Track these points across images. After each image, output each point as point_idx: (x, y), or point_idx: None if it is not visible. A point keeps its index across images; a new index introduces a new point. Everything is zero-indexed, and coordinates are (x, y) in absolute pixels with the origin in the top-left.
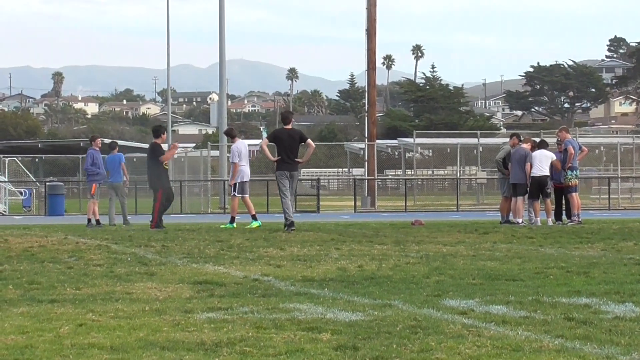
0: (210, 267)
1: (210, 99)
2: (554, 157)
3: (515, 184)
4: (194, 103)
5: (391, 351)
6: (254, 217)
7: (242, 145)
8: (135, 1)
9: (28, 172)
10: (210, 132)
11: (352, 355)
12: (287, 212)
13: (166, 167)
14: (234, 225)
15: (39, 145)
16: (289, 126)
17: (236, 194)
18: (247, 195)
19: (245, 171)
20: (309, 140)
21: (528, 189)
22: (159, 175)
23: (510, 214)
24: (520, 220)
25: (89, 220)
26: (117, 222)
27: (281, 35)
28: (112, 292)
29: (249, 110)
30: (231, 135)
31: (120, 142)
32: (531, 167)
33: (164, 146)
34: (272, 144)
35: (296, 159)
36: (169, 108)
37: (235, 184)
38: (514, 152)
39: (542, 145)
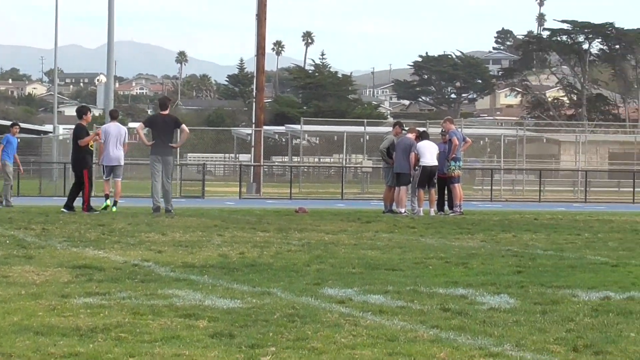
0: (91, 251)
1: (97, 80)
2: (438, 149)
3: (399, 173)
4: (82, 84)
5: (267, 339)
6: (107, 197)
7: (113, 127)
8: None
9: None
10: (97, 114)
11: (228, 342)
12: (155, 197)
13: (91, 147)
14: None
15: None
16: (166, 112)
17: (105, 178)
18: (111, 178)
19: (111, 155)
20: (183, 126)
21: (412, 178)
22: (84, 157)
23: (394, 204)
24: (403, 210)
25: None
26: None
27: (172, 17)
28: None
29: (137, 92)
30: (112, 116)
31: (3, 123)
32: (416, 157)
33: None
34: (148, 128)
35: (170, 144)
36: (55, 88)
37: (103, 166)
38: (399, 141)
39: (424, 136)
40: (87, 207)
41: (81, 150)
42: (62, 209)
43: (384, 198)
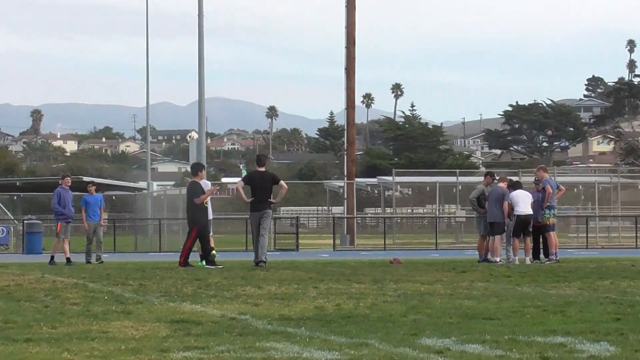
0: (188, 305)
1: (189, 136)
2: (532, 198)
3: (493, 222)
4: (174, 141)
5: None
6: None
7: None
8: (114, 39)
9: (6, 210)
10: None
11: None
12: (256, 254)
13: (206, 205)
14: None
15: (17, 183)
16: (263, 169)
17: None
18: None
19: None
20: (282, 182)
21: (506, 227)
22: (196, 213)
23: (489, 253)
24: (498, 259)
25: (52, 257)
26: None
27: (261, 73)
28: (88, 331)
29: (228, 148)
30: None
31: (99, 181)
32: (509, 205)
33: (204, 183)
34: (248, 186)
35: (269, 200)
36: (148, 146)
37: None
38: (492, 191)
39: (517, 185)
40: (184, 261)
41: (196, 207)
42: (206, 266)
43: (478, 247)
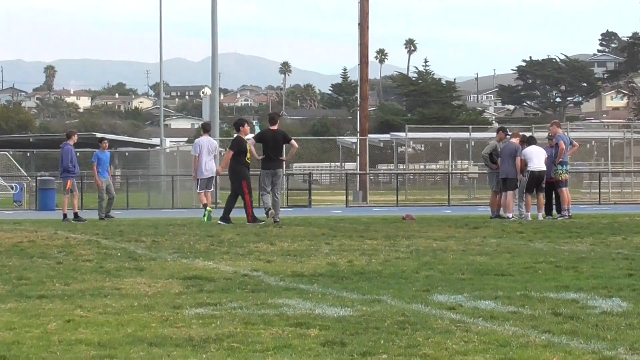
0: (200, 262)
1: (202, 92)
2: (545, 154)
3: (505, 178)
4: (187, 97)
5: (379, 347)
6: (205, 206)
7: (205, 140)
8: None
9: (19, 167)
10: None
11: (340, 350)
12: (266, 203)
13: (248, 160)
14: (206, 218)
15: (31, 140)
16: (275, 127)
17: (198, 190)
18: (205, 191)
19: (206, 167)
20: (293, 141)
21: (519, 183)
22: (242, 169)
23: (501, 209)
24: (510, 215)
25: (65, 215)
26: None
27: (274, 29)
28: (101, 287)
29: (241, 104)
30: (204, 129)
31: (112, 137)
32: (522, 161)
33: (249, 135)
34: (259, 143)
35: (280, 158)
36: (161, 102)
37: (197, 180)
38: (504, 146)
39: (532, 141)
40: (251, 218)
41: (239, 162)
42: (219, 221)
43: (491, 203)
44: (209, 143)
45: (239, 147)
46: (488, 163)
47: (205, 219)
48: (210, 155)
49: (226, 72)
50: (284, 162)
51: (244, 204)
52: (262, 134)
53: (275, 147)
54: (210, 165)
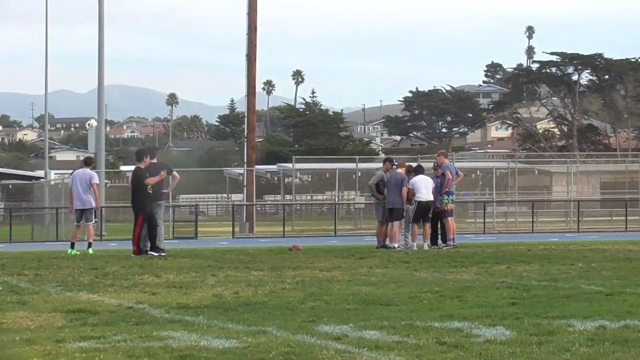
0: (84, 295)
1: (88, 124)
2: (433, 184)
3: (392, 208)
4: (72, 129)
5: None
6: (73, 245)
7: (80, 172)
8: (13, 26)
9: None
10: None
11: None
12: (143, 240)
13: (150, 191)
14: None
15: None
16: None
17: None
18: (81, 224)
19: (79, 198)
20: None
21: (409, 213)
22: (142, 200)
23: (387, 239)
24: (396, 245)
25: None
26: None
27: (161, 60)
28: None
29: (128, 135)
30: (86, 163)
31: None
32: (410, 191)
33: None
34: None
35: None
36: (47, 134)
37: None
38: (390, 177)
39: (419, 170)
40: (137, 249)
41: (143, 191)
42: (151, 252)
43: (377, 234)
44: (82, 175)
45: (139, 179)
46: (374, 193)
47: (73, 252)
48: (82, 188)
49: (112, 103)
50: (168, 194)
51: (132, 233)
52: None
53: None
54: (82, 198)
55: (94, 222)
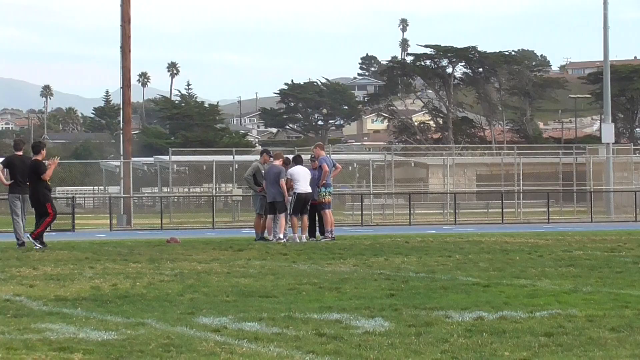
0: None
1: None
2: (310, 176)
3: (273, 202)
4: None
5: None
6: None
7: None
8: None
9: None
10: None
11: None
12: (18, 233)
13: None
14: None
15: None
16: (20, 153)
17: None
18: None
19: None
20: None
21: (289, 205)
22: (47, 190)
23: (266, 232)
24: (282, 236)
25: None
26: None
27: (35, 52)
28: None
29: (2, 127)
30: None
31: None
32: (289, 183)
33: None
34: (6, 169)
35: (28, 183)
36: None
37: None
38: (269, 170)
39: (298, 160)
40: (37, 235)
41: (44, 182)
42: (36, 246)
43: (255, 226)
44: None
45: (43, 169)
46: (251, 185)
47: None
48: None
49: None
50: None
51: (41, 221)
52: (10, 159)
53: (23, 172)
54: None
55: None
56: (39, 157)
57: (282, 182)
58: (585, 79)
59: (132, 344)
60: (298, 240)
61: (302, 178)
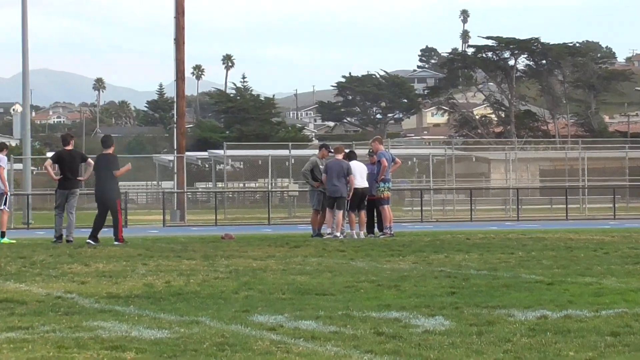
0: (12, 285)
1: (13, 109)
2: (367, 170)
3: (337, 197)
4: None
5: None
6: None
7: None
8: None
9: None
10: (13, 144)
11: None
12: (58, 227)
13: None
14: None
15: None
16: (69, 147)
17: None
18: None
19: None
20: (90, 160)
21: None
22: (118, 188)
23: (324, 226)
24: (339, 234)
25: None
26: None
27: (88, 45)
28: None
29: (54, 121)
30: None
31: None
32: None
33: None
34: (56, 164)
35: (77, 177)
36: None
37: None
38: (332, 164)
39: (352, 156)
40: (122, 237)
41: (115, 180)
42: (88, 240)
43: (312, 222)
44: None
45: (117, 164)
46: (309, 180)
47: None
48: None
49: (37, 88)
50: (82, 182)
51: (116, 220)
52: (59, 154)
53: (72, 167)
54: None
55: (3, 208)
56: (110, 151)
57: (352, 177)
58: None
59: (185, 343)
60: (356, 237)
61: (357, 173)
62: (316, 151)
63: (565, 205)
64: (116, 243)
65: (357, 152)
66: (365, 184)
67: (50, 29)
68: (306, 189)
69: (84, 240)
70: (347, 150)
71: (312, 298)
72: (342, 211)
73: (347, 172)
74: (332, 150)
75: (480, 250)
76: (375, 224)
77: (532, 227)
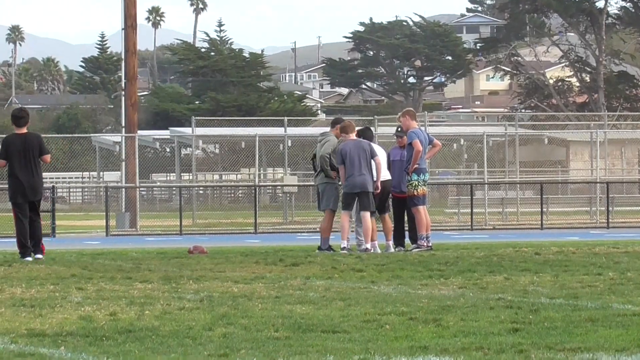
0: None
1: None
2: (391, 157)
3: (359, 192)
4: None
5: None
6: None
7: None
8: None
9: None
10: None
11: None
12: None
13: None
14: None
15: None
16: (24, 130)
17: None
18: None
19: None
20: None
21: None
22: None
23: (339, 237)
24: (369, 246)
25: None
26: None
27: None
28: None
29: None
30: None
31: None
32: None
33: None
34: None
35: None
36: None
37: None
38: (350, 146)
39: (367, 134)
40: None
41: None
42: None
43: (322, 229)
44: None
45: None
46: (326, 169)
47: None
48: None
49: None
50: None
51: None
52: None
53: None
54: None
55: None
56: (24, 131)
57: (378, 160)
58: None
59: None
60: (379, 251)
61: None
62: (326, 129)
63: None
64: (38, 256)
65: (381, 130)
66: (388, 176)
67: None
68: (310, 184)
69: None
70: (358, 128)
71: (317, 337)
72: (369, 212)
73: (372, 154)
74: (342, 128)
75: (555, 270)
76: (407, 233)
77: (628, 237)
